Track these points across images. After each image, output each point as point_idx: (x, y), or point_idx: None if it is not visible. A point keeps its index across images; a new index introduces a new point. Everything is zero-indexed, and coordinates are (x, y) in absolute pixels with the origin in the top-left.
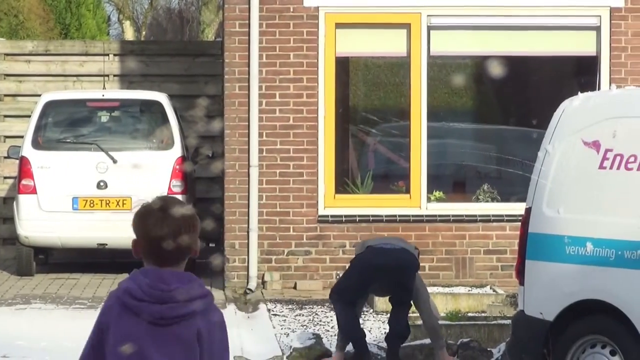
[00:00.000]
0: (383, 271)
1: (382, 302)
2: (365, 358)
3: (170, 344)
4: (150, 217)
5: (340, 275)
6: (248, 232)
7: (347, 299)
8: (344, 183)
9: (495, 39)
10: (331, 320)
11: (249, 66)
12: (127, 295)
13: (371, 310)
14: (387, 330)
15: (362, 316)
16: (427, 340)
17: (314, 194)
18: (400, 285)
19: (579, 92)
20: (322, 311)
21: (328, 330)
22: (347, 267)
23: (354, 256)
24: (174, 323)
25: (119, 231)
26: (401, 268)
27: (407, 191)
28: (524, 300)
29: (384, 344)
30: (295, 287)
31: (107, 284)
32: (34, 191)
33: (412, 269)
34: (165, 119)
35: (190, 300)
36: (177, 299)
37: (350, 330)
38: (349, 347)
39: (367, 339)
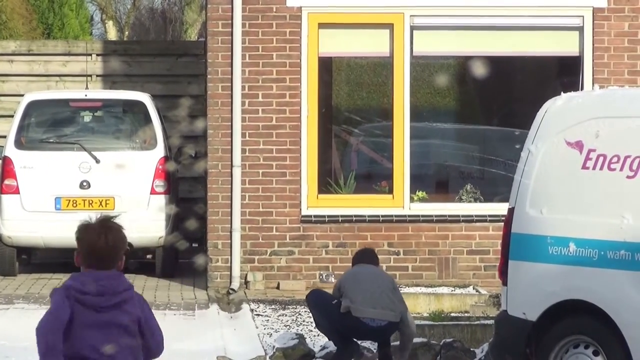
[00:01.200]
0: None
1: None
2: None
3: (110, 326)
4: (92, 232)
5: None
6: (231, 232)
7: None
8: (326, 183)
9: (478, 39)
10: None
11: (231, 66)
12: (76, 291)
13: None
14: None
15: None
16: (425, 339)
17: (297, 194)
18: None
19: (562, 92)
20: (305, 311)
21: (311, 330)
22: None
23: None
24: (111, 309)
25: None
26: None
27: (390, 191)
28: (507, 300)
29: (368, 344)
30: (278, 287)
31: None
32: (16, 191)
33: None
34: (148, 119)
35: (121, 292)
36: (111, 292)
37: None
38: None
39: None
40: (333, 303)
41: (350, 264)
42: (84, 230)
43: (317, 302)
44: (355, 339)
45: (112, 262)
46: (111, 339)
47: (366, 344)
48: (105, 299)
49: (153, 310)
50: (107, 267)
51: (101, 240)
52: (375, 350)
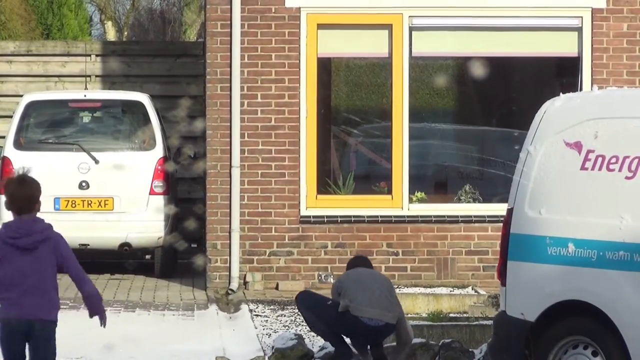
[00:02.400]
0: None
1: None
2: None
3: (35, 260)
4: (13, 184)
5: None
6: (230, 232)
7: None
8: (325, 184)
9: (477, 40)
10: None
11: (230, 67)
12: (5, 236)
13: None
14: None
15: None
16: (424, 340)
17: (296, 195)
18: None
19: (561, 93)
20: None
21: (310, 331)
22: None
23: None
24: (34, 248)
25: (101, 231)
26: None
27: (389, 192)
28: (506, 300)
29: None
30: (277, 288)
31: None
32: None
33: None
34: (147, 120)
35: (40, 231)
36: (29, 233)
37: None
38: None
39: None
40: (328, 303)
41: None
42: (8, 184)
43: (310, 303)
44: (349, 340)
45: (29, 208)
46: (32, 270)
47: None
48: (23, 240)
49: (152, 311)
50: (26, 211)
51: (19, 191)
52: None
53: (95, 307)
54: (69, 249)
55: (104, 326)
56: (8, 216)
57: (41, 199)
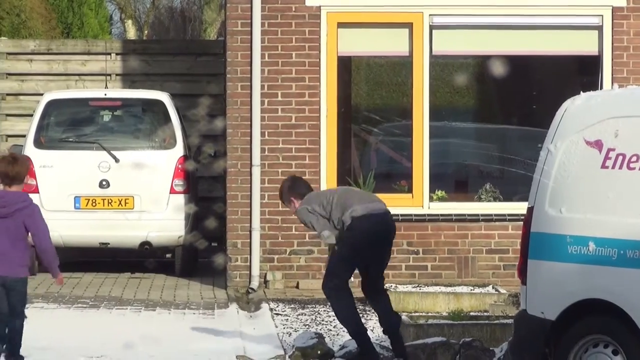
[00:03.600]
0: (382, 239)
1: None
2: (372, 357)
3: (9, 227)
4: (4, 161)
5: (329, 263)
6: (250, 231)
7: (346, 285)
8: (346, 182)
9: (498, 38)
10: (333, 319)
11: (251, 65)
12: None
13: (373, 309)
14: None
15: (364, 315)
16: (429, 340)
17: None
18: (388, 252)
19: (581, 92)
20: (324, 310)
21: (330, 330)
22: (334, 249)
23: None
24: (8, 216)
25: (121, 230)
26: (393, 232)
27: (410, 190)
28: (526, 299)
29: (387, 343)
30: (297, 287)
31: (110, 282)
32: (36, 190)
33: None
34: (167, 118)
35: (17, 202)
36: (11, 203)
37: (357, 326)
38: (352, 345)
39: (370, 338)
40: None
41: (295, 199)
42: (1, 160)
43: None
44: (370, 247)
45: (17, 182)
46: (9, 237)
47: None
48: (6, 209)
49: (172, 310)
50: (15, 185)
51: (9, 167)
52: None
53: (48, 262)
54: (40, 220)
55: (57, 282)
56: None
57: (62, 198)
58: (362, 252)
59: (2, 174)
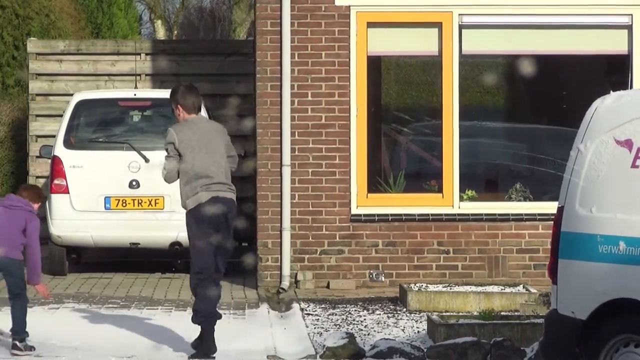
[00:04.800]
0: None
1: (415, 301)
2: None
3: (14, 216)
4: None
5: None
6: (281, 231)
7: (210, 270)
8: (376, 182)
9: (527, 38)
10: (364, 319)
11: (280, 65)
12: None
13: (405, 309)
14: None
15: (395, 315)
16: (460, 339)
17: (347, 193)
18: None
19: (611, 91)
20: (355, 310)
21: (361, 330)
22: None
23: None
24: (14, 209)
25: (151, 230)
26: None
27: (440, 190)
28: (557, 299)
29: (418, 343)
30: (328, 286)
31: (140, 283)
32: (66, 191)
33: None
34: None
35: (19, 203)
36: (14, 205)
37: (215, 311)
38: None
39: (401, 338)
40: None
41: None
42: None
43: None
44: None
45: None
46: (11, 224)
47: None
48: (13, 206)
49: None
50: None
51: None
52: None
53: (33, 264)
54: (36, 229)
55: (40, 292)
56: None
57: (92, 198)
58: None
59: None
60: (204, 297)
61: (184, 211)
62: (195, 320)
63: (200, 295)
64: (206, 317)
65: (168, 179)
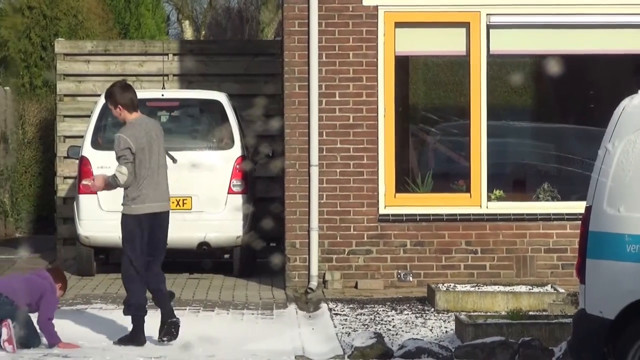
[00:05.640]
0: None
1: (443, 301)
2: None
3: (33, 284)
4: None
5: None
6: (309, 231)
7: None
8: (404, 182)
9: (555, 37)
10: (392, 319)
11: (308, 65)
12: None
13: (432, 309)
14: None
15: (423, 315)
16: (488, 339)
17: (375, 193)
18: None
19: (639, 91)
20: (383, 310)
21: (389, 330)
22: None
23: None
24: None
25: (179, 231)
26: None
27: (468, 190)
28: (585, 298)
29: (446, 343)
30: (356, 286)
31: (168, 283)
32: (94, 191)
33: None
34: (225, 119)
35: (45, 278)
36: (41, 276)
37: (144, 308)
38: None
39: (429, 338)
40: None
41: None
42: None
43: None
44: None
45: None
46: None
47: None
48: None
49: (231, 310)
50: None
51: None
52: None
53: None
54: (50, 304)
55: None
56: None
57: (120, 199)
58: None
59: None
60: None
61: (212, 212)
62: (127, 312)
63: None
64: (138, 309)
65: (127, 183)
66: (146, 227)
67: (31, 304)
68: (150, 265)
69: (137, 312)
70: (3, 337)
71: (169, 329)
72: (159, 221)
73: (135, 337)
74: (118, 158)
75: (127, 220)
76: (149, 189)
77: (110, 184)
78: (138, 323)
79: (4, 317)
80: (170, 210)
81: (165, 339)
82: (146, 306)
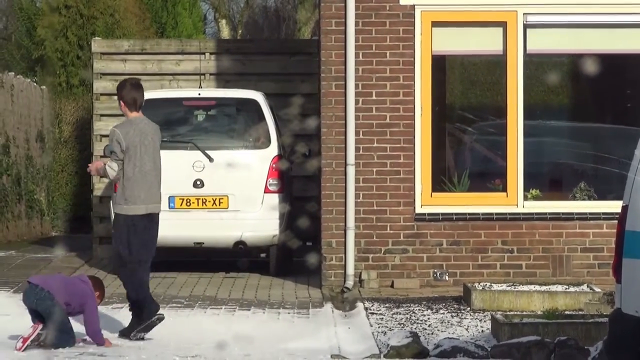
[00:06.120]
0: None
1: (479, 301)
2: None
3: (75, 288)
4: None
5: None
6: (345, 230)
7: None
8: (440, 181)
9: (592, 36)
10: (428, 318)
11: (345, 64)
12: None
13: (468, 308)
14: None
15: (459, 314)
16: (524, 339)
17: (411, 192)
18: None
19: None
20: (419, 309)
21: (425, 329)
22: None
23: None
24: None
25: (215, 230)
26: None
27: (504, 189)
28: (621, 298)
29: (482, 342)
30: (392, 286)
31: (204, 283)
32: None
33: None
34: (261, 118)
35: (87, 284)
36: (83, 281)
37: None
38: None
39: (465, 337)
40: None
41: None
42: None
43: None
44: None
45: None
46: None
47: None
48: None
49: (267, 309)
50: None
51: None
52: None
53: (97, 342)
54: (94, 310)
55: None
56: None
57: None
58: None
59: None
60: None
61: (248, 211)
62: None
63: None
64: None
65: (115, 179)
66: (139, 227)
67: (70, 304)
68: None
69: (144, 303)
70: (26, 334)
71: (148, 327)
72: (150, 222)
73: (149, 323)
74: (110, 153)
75: (120, 220)
76: (142, 190)
77: (104, 173)
78: (140, 310)
79: (43, 311)
80: (207, 209)
81: (138, 336)
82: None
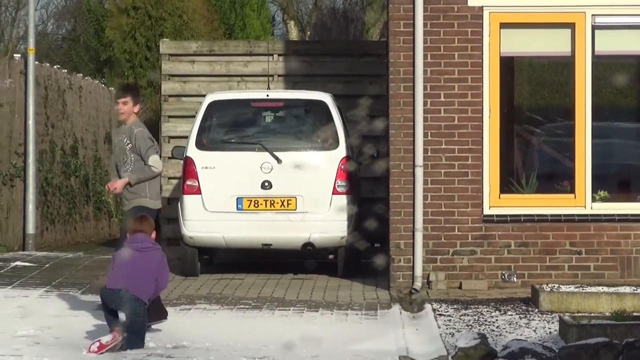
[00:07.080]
0: None
1: (547, 302)
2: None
3: (146, 264)
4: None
5: None
6: (413, 232)
7: None
8: (508, 183)
9: None
10: (496, 320)
11: (413, 66)
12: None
13: (536, 310)
14: None
15: (527, 316)
16: (592, 340)
17: (479, 194)
18: None
19: None
20: (487, 311)
21: (493, 330)
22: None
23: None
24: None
25: (283, 231)
26: None
27: (572, 191)
28: None
29: (550, 344)
30: (460, 287)
31: (272, 284)
32: (198, 191)
33: None
34: (329, 119)
35: (149, 244)
36: (146, 247)
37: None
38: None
39: (533, 338)
40: None
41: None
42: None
43: None
44: None
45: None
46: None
47: None
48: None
49: (335, 311)
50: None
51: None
52: None
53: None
54: (167, 273)
55: None
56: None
57: (224, 199)
58: None
59: (133, 230)
60: None
61: (316, 212)
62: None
63: None
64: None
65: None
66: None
67: (154, 280)
68: None
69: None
70: (104, 339)
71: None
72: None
73: (161, 312)
74: (148, 149)
75: (151, 213)
76: (159, 186)
77: (137, 180)
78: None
79: (127, 312)
80: (275, 211)
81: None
82: None
